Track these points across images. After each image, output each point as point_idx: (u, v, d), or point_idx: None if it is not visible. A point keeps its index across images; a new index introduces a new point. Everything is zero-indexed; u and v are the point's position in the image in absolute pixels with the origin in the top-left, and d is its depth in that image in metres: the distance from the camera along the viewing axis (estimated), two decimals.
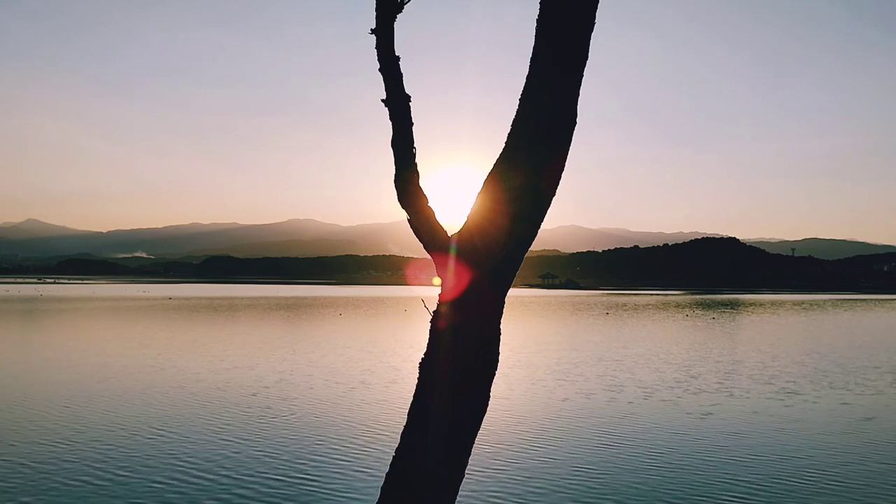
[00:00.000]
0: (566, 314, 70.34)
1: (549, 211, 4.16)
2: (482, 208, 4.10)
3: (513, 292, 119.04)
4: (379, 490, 4.29)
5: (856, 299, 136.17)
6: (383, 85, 4.31)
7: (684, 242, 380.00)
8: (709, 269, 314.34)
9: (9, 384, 21.58)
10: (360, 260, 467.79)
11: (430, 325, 4.24)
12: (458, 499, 4.27)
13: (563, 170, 4.13)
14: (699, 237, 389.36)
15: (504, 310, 4.19)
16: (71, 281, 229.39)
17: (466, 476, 4.35)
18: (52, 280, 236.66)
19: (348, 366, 26.84)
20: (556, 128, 4.04)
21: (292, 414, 17.71)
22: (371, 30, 4.27)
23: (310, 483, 11.98)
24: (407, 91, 4.33)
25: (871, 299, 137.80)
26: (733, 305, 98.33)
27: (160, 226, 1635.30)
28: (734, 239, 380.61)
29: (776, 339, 42.50)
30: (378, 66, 4.30)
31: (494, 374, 4.18)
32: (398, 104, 4.32)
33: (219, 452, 13.87)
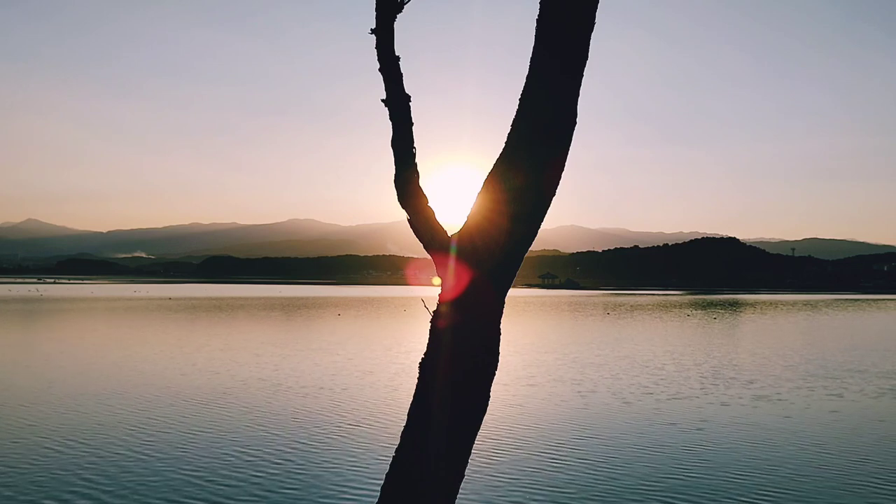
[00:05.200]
0: (566, 314, 70.33)
1: (549, 211, 4.16)
2: (482, 208, 4.10)
3: (513, 292, 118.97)
4: (379, 490, 4.29)
5: (856, 299, 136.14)
6: (383, 85, 4.31)
7: (684, 242, 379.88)
8: (709, 269, 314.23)
9: (6, 384, 21.58)
10: (360, 260, 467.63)
11: (430, 325, 4.24)
12: (458, 499, 4.27)
13: (563, 170, 4.13)
14: (699, 237, 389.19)
15: (504, 310, 4.18)
16: (71, 281, 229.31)
17: (466, 476, 4.35)
18: (51, 280, 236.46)
19: (347, 366, 26.83)
20: (556, 128, 4.04)
21: (290, 415, 17.70)
22: (371, 30, 4.27)
23: (309, 483, 11.98)
24: (407, 91, 4.33)
25: (871, 299, 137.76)
26: (733, 306, 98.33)
27: (160, 226, 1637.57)
28: (734, 239, 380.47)
29: (775, 341, 42.52)
30: (378, 66, 4.30)
31: (494, 375, 4.18)
32: (398, 104, 4.32)
33: (216, 453, 13.87)
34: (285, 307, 75.64)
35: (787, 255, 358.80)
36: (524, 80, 4.11)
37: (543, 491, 11.70)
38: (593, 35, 4.06)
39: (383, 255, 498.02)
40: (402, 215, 4.37)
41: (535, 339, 40.39)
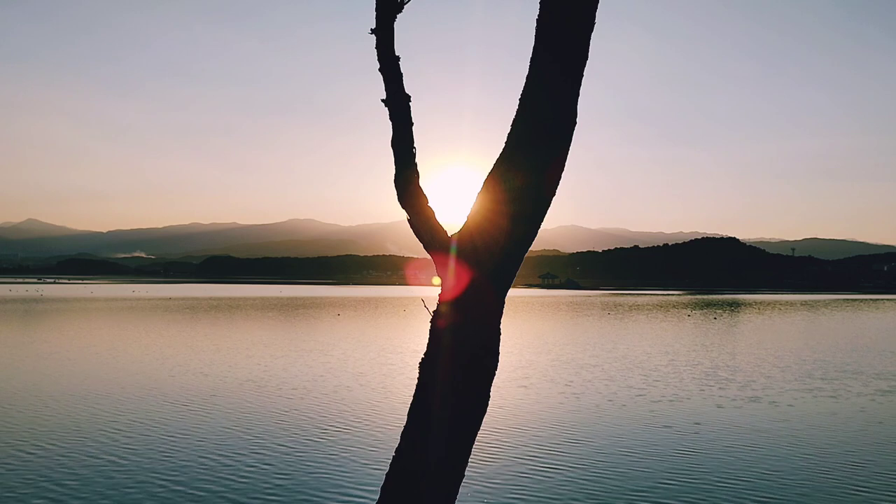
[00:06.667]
0: (565, 315, 70.31)
1: (549, 211, 4.16)
2: (482, 208, 4.10)
3: (513, 292, 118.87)
4: (379, 490, 4.29)
5: (856, 299, 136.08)
6: (383, 85, 4.31)
7: (684, 242, 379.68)
8: (709, 269, 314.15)
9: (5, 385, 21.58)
10: (360, 260, 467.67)
11: (430, 325, 4.24)
12: (458, 499, 4.27)
13: (563, 170, 4.13)
14: (699, 237, 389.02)
15: (504, 309, 4.18)
16: (71, 281, 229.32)
17: (466, 476, 4.35)
18: (52, 280, 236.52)
19: (347, 366, 26.82)
20: (556, 128, 4.03)
21: (290, 415, 17.70)
22: (371, 30, 4.26)
23: (309, 483, 11.98)
24: (407, 91, 4.33)
25: (871, 299, 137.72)
26: (733, 306, 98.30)
27: (160, 226, 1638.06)
28: (734, 239, 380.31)
29: (773, 341, 42.50)
30: (378, 66, 4.30)
31: (494, 374, 4.18)
32: (398, 104, 4.31)
33: (215, 454, 13.86)
34: (284, 307, 75.60)
35: (787, 255, 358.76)
36: (524, 81, 4.11)
37: (539, 492, 11.70)
38: (593, 35, 4.06)
39: (383, 255, 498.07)
40: (402, 215, 4.37)
41: (533, 339, 40.39)
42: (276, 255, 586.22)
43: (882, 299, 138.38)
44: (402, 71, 4.31)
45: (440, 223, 4.28)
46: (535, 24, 4.07)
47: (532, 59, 4.08)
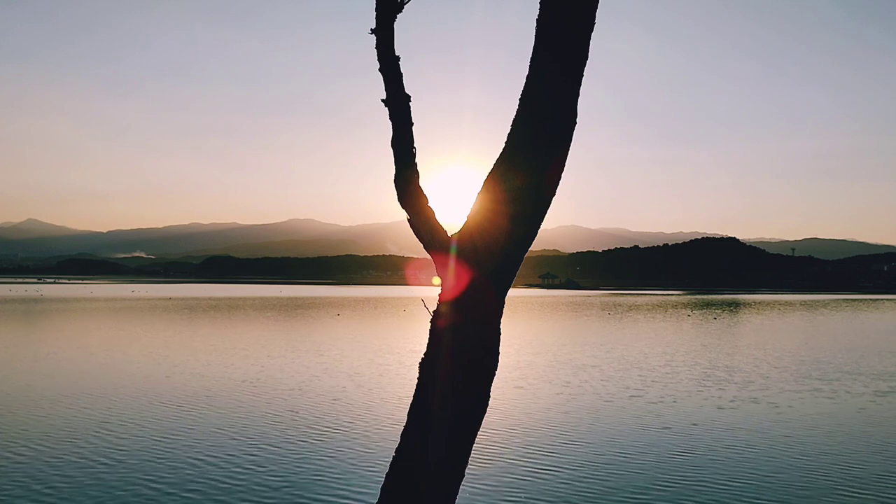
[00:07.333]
0: (564, 315, 70.29)
1: (549, 211, 4.16)
2: (482, 209, 4.10)
3: (513, 292, 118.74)
4: (379, 490, 4.29)
5: (856, 299, 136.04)
6: (383, 85, 4.31)
7: (684, 242, 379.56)
8: (709, 269, 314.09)
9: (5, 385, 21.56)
10: (360, 260, 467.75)
11: (430, 325, 4.24)
12: (458, 498, 4.27)
13: (563, 170, 4.13)
14: (699, 237, 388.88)
15: (504, 309, 4.18)
16: (71, 281, 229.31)
17: (466, 476, 4.35)
18: (51, 280, 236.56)
19: (346, 366, 26.81)
20: (556, 128, 4.03)
21: (289, 415, 17.69)
22: (371, 30, 4.26)
23: (310, 483, 11.98)
24: (407, 91, 4.33)
25: (871, 299, 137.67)
26: (733, 306, 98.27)
27: (160, 226, 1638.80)
28: (734, 239, 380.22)
29: (773, 342, 42.48)
30: (378, 66, 4.30)
31: (494, 374, 4.18)
32: (398, 104, 4.31)
33: (212, 455, 13.86)
34: (284, 307, 75.59)
35: (787, 255, 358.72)
36: (524, 81, 4.10)
37: (538, 492, 11.70)
38: (593, 35, 4.06)
39: (383, 255, 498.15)
40: (402, 215, 4.37)
41: (532, 339, 40.39)
42: (276, 255, 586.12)
43: (882, 299, 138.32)
44: (402, 71, 4.31)
45: (440, 223, 4.28)
46: (535, 24, 4.07)
47: (532, 59, 4.07)
